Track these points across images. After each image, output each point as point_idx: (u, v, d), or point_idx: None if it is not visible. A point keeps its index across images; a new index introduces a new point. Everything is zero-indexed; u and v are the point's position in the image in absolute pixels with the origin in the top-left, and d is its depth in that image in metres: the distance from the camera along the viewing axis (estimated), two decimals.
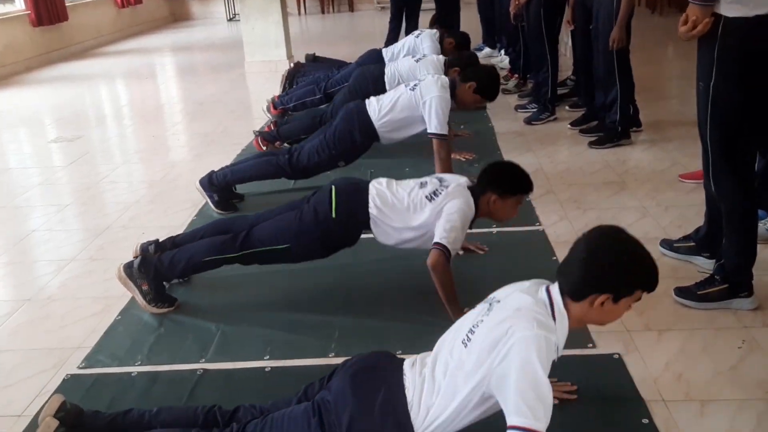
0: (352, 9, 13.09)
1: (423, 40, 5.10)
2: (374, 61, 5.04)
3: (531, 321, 1.51)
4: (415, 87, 3.64)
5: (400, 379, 1.64)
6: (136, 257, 2.65)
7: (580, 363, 2.14)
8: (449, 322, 1.78)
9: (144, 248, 2.71)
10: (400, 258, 2.81)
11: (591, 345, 2.24)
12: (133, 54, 9.60)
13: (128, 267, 2.59)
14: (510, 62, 6.37)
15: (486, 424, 1.61)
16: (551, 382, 1.48)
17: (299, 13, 12.78)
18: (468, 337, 1.59)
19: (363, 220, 2.51)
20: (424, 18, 6.80)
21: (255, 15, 7.30)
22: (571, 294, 1.58)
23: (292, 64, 6.16)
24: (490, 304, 1.63)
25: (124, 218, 3.61)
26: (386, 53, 5.21)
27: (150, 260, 2.59)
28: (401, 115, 3.61)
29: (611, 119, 4.24)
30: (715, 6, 2.13)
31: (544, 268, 1.84)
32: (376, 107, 3.65)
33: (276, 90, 5.65)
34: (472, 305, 1.73)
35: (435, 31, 5.28)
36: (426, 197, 2.45)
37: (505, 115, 5.15)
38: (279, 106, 4.99)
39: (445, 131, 3.56)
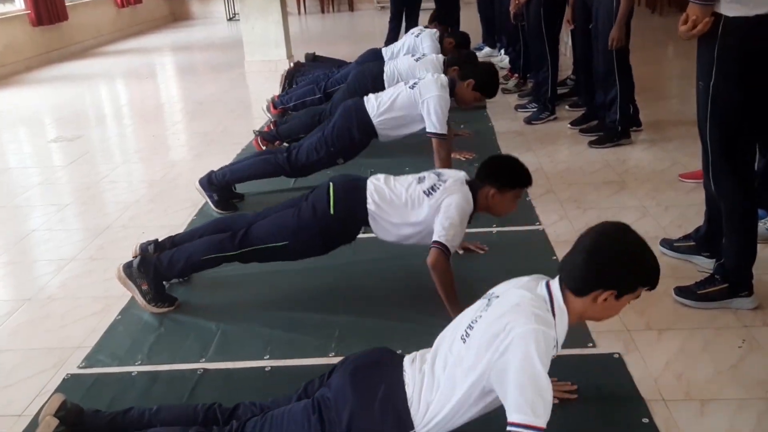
0: (352, 9, 13.08)
1: (423, 40, 5.11)
2: (374, 60, 5.04)
3: (529, 316, 1.51)
4: (414, 85, 3.63)
5: (400, 376, 1.64)
6: (135, 257, 2.65)
7: (580, 362, 2.14)
8: (449, 321, 1.77)
9: (143, 248, 2.70)
10: (400, 257, 2.81)
11: (591, 344, 2.24)
12: (132, 54, 9.59)
13: (128, 267, 2.59)
14: (510, 62, 6.37)
15: (486, 422, 1.62)
16: (551, 382, 1.48)
17: (299, 13, 12.77)
18: (467, 332, 1.59)
19: (361, 217, 2.51)
20: (424, 17, 6.79)
21: (255, 14, 7.29)
22: (573, 289, 1.57)
23: (291, 64, 6.16)
24: (489, 300, 1.63)
25: (124, 218, 3.61)
26: (386, 53, 5.22)
27: (149, 260, 2.59)
28: (400, 113, 3.60)
29: (611, 119, 4.24)
30: (715, 5, 2.13)
31: (544, 268, 1.84)
32: (374, 104, 3.64)
33: (276, 89, 5.65)
34: (471, 304, 1.73)
35: (435, 30, 5.30)
36: (424, 192, 2.44)
37: (505, 115, 5.15)
38: (279, 105, 4.99)
39: (444, 131, 3.56)
